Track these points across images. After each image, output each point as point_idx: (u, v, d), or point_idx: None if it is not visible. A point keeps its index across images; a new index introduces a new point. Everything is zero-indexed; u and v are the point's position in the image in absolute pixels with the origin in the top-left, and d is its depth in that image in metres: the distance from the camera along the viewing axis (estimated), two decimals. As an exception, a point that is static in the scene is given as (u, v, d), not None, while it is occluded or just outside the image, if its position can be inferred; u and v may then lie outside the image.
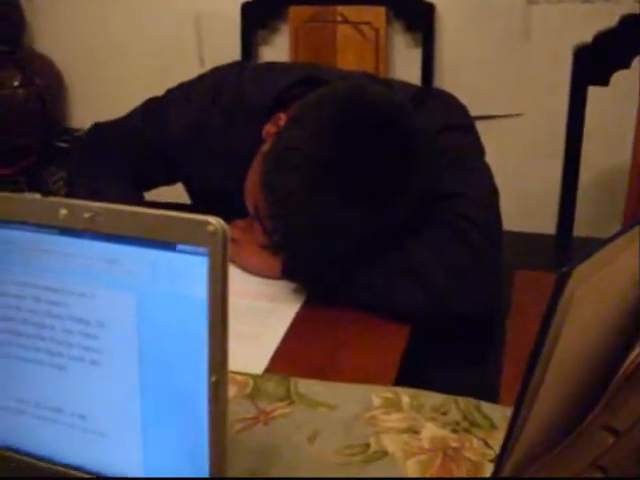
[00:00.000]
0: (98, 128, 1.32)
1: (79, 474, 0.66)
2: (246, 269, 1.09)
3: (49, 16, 2.17)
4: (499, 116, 1.84)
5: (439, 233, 1.00)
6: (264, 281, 1.07)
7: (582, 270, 0.46)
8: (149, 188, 1.30)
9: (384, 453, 0.74)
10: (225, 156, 1.15)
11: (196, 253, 0.55)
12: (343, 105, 0.96)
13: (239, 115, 1.15)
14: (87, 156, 1.29)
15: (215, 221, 0.54)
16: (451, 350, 0.94)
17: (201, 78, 1.24)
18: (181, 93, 1.22)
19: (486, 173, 1.07)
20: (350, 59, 1.91)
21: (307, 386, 0.85)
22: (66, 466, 0.67)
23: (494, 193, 1.05)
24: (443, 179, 1.02)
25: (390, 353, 0.91)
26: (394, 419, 0.79)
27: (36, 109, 2.09)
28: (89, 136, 1.35)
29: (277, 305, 1.02)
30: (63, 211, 0.59)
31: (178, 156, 1.21)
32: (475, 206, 1.01)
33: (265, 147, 1.02)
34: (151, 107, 1.26)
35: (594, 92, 1.37)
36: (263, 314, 1.00)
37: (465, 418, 0.79)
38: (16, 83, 2.06)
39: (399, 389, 0.83)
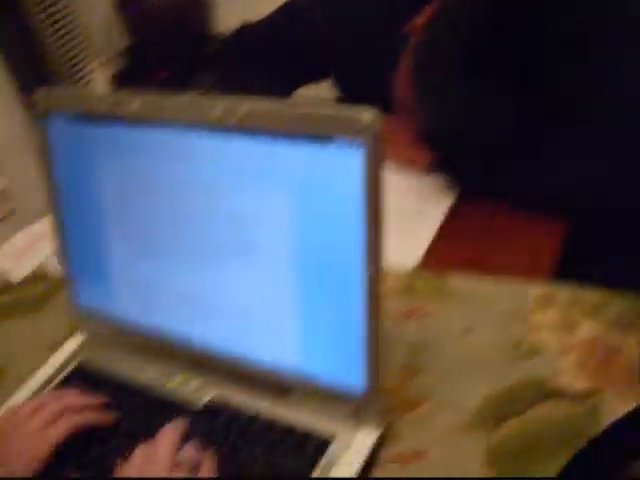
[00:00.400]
0: (243, 29, 1.33)
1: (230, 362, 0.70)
2: (396, 162, 1.07)
3: None
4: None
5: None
6: (414, 177, 1.06)
7: None
8: (297, 87, 1.31)
9: (538, 349, 0.73)
10: (370, 45, 1.13)
11: (351, 146, 0.54)
12: None
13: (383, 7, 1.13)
14: (234, 58, 1.31)
15: (370, 113, 0.53)
16: (613, 244, 0.89)
17: None
18: None
19: None
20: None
21: (460, 281, 0.84)
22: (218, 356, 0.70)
23: None
24: None
25: (546, 248, 0.88)
26: (550, 315, 0.77)
27: (186, 15, 2.12)
28: (235, 38, 1.36)
29: (427, 202, 1.00)
30: (218, 109, 0.60)
31: (326, 45, 1.21)
32: None
33: (414, 40, 0.99)
34: (290, 2, 1.26)
35: None
36: (414, 211, 0.99)
37: (625, 315, 0.76)
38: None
39: (555, 285, 0.81)
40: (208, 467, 0.62)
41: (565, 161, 0.91)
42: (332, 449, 0.63)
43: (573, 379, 0.69)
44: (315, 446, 0.63)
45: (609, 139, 0.88)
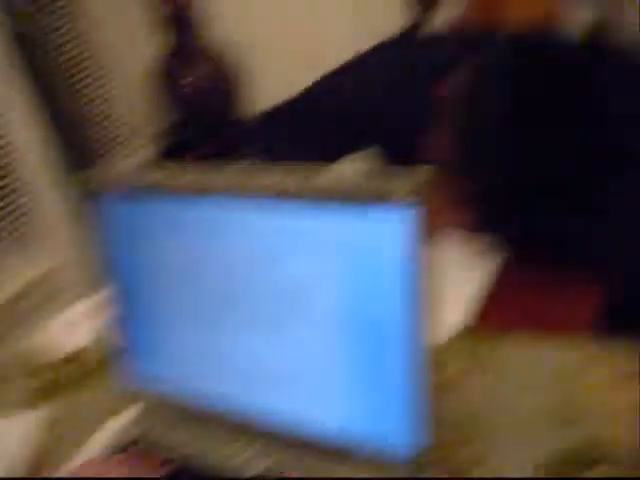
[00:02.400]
0: (283, 105, 1.37)
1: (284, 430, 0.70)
2: (441, 225, 1.07)
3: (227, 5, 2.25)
4: None
5: None
6: (459, 240, 1.06)
7: None
8: (341, 155, 1.33)
9: (588, 411, 0.72)
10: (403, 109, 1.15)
11: (397, 212, 0.56)
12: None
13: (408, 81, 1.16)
14: (277, 133, 1.34)
15: (416, 175, 0.55)
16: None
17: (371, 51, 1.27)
18: (354, 62, 1.26)
19: None
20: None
21: (508, 343, 0.84)
22: (272, 424, 0.71)
23: None
24: None
25: (591, 306, 0.88)
26: (599, 375, 0.77)
27: (222, 97, 2.18)
28: (275, 113, 1.40)
29: (473, 264, 1.01)
30: (269, 180, 0.62)
31: (362, 115, 1.24)
32: None
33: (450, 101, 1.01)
34: (324, 80, 1.30)
35: None
36: (460, 274, 0.99)
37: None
38: (200, 72, 2.16)
39: (604, 343, 0.80)
40: None
41: (611, 218, 0.91)
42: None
43: (626, 442, 0.68)
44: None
45: None
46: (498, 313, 0.91)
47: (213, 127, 2.21)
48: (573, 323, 0.86)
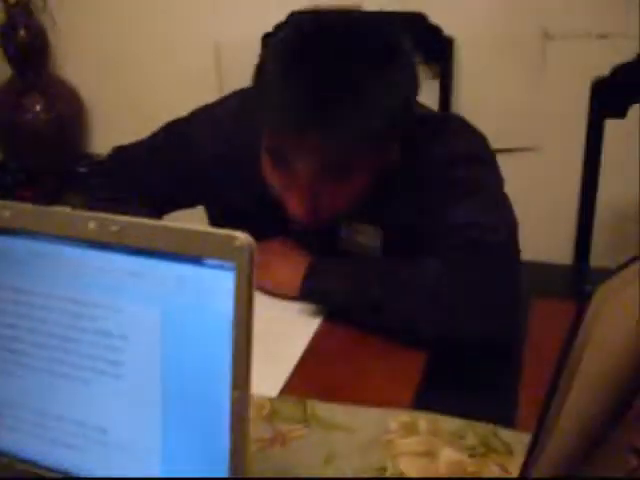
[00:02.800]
0: (118, 150, 1.34)
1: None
2: (266, 285, 1.09)
3: (73, 43, 2.20)
4: (516, 149, 1.85)
5: (454, 254, 1.00)
6: (282, 304, 1.08)
7: (606, 288, 0.47)
8: (168, 211, 1.31)
9: (401, 477, 0.74)
10: (249, 177, 1.13)
11: (222, 268, 0.55)
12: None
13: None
14: (106, 179, 1.30)
15: (242, 236, 0.55)
16: (468, 375, 0.94)
17: (227, 98, 1.26)
18: (206, 114, 1.24)
19: (505, 203, 1.07)
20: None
21: (324, 409, 0.84)
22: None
23: (513, 223, 1.05)
24: (458, 208, 1.03)
25: (407, 377, 0.91)
26: (411, 443, 0.79)
27: (57, 134, 2.12)
28: (109, 159, 1.36)
29: (293, 327, 1.02)
30: (91, 224, 0.60)
31: (202, 175, 1.22)
32: (492, 232, 1.01)
33: None
34: (174, 127, 1.27)
35: (611, 124, 1.38)
36: (280, 335, 1.00)
37: (482, 443, 0.79)
38: (38, 108, 2.09)
39: (416, 413, 0.83)
40: None
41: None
42: None
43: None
44: None
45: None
46: (315, 377, 0.92)
47: (43, 167, 2.15)
48: (389, 393, 0.89)
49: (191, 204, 1.34)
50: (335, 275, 1.06)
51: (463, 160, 1.08)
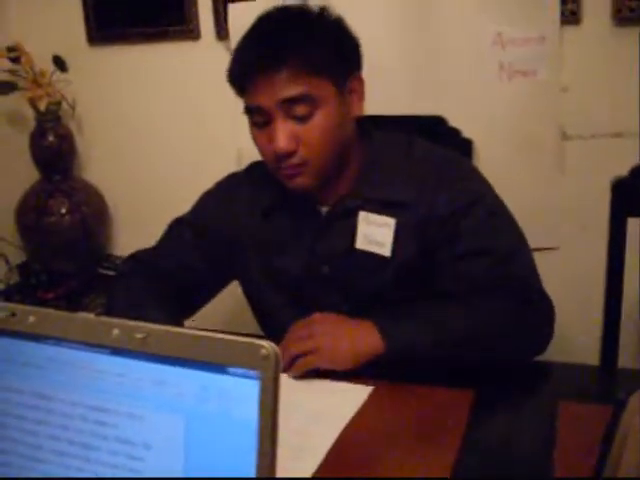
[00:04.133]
0: (132, 258, 1.37)
1: None
2: (341, 347, 1.10)
3: (99, 149, 2.26)
4: (537, 249, 1.85)
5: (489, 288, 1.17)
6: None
7: (638, 397, 0.46)
8: (190, 310, 1.32)
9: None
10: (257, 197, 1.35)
11: (247, 376, 0.55)
12: None
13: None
14: (124, 285, 1.31)
15: (267, 345, 0.54)
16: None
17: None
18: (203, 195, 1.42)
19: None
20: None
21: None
22: None
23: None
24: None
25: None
26: None
27: (81, 236, 2.15)
28: (124, 266, 1.39)
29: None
30: (115, 331, 0.60)
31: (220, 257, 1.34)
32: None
33: None
34: (178, 219, 1.39)
35: (632, 224, 1.38)
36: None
37: None
38: (63, 210, 2.13)
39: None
40: None
41: None
42: None
43: None
44: None
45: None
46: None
47: (67, 269, 2.17)
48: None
49: (207, 299, 1.35)
50: (408, 321, 1.11)
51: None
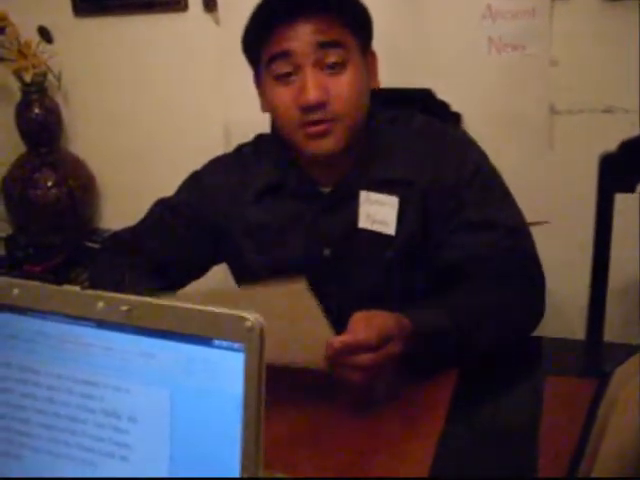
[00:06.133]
0: (114, 236, 1.36)
1: None
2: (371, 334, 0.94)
3: (85, 121, 2.24)
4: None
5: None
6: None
7: (622, 372, 0.46)
8: (171, 289, 1.31)
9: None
10: (259, 174, 1.29)
11: (232, 349, 0.55)
12: None
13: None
14: (107, 261, 1.30)
15: (252, 316, 0.54)
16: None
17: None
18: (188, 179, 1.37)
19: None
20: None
21: None
22: None
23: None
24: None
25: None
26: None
27: (67, 209, 2.14)
28: (106, 244, 1.39)
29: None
30: (100, 304, 0.60)
31: (208, 218, 1.31)
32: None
33: None
34: (163, 201, 1.35)
35: (620, 199, 1.38)
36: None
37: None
38: (50, 183, 2.11)
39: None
40: None
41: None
42: None
43: None
44: None
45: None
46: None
47: (52, 242, 2.16)
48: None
49: (197, 268, 1.35)
50: (429, 309, 1.06)
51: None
